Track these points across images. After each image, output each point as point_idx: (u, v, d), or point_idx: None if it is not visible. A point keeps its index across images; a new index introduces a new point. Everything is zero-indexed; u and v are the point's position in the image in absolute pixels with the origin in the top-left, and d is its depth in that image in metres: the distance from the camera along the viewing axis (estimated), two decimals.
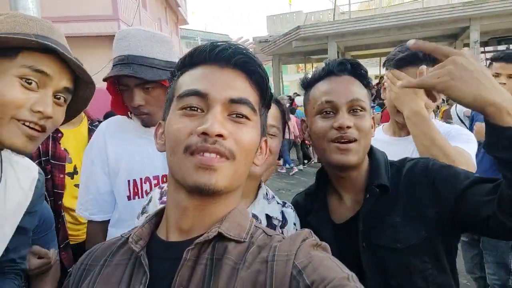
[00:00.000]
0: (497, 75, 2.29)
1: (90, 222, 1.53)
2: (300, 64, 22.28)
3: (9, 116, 0.82)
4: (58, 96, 0.90)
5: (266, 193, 1.17)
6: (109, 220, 1.50)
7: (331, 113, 1.05)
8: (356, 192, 1.11)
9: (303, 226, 0.90)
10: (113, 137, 1.48)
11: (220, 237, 0.67)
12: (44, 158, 1.90)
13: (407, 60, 1.43)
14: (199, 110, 0.68)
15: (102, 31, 10.82)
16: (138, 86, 1.36)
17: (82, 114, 1.99)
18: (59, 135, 1.96)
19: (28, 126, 0.84)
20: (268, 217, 1.12)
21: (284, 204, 1.18)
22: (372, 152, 1.13)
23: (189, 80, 0.71)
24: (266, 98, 0.75)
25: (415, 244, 1.00)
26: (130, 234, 0.72)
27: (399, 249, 1.00)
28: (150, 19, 14.89)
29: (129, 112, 1.51)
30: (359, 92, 1.06)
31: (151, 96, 1.38)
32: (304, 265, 0.60)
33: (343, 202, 1.13)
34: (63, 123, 0.99)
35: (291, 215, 1.15)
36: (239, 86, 0.70)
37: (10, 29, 0.85)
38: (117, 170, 1.44)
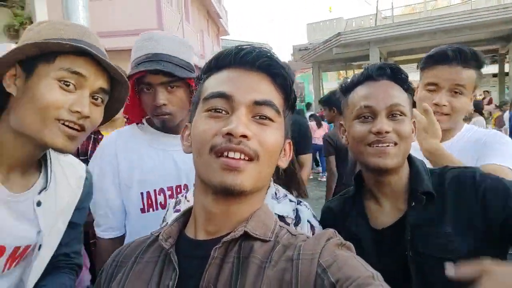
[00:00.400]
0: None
1: (101, 239, 1.47)
2: (341, 71, 21.98)
3: (51, 117, 0.86)
4: (96, 97, 0.94)
5: (276, 193, 1.18)
6: (120, 237, 1.46)
7: (370, 118, 1.04)
8: (396, 198, 1.08)
9: (340, 230, 0.91)
10: (125, 148, 1.44)
11: (246, 236, 0.68)
12: (82, 158, 1.96)
13: (435, 58, 1.44)
14: (224, 112, 0.70)
15: None
16: (162, 85, 1.34)
17: (122, 116, 2.02)
18: (100, 136, 2.02)
19: (68, 126, 0.88)
20: (280, 217, 1.13)
21: (298, 202, 1.19)
22: (411, 158, 1.11)
23: (215, 83, 0.73)
24: (290, 100, 0.77)
25: (465, 255, 0.96)
26: (160, 232, 0.75)
27: (449, 260, 0.96)
28: (193, 31, 15.37)
29: (143, 118, 1.50)
30: (399, 96, 1.04)
31: (174, 95, 1.36)
32: (329, 264, 0.60)
33: (382, 208, 1.11)
34: (102, 124, 1.05)
35: (306, 213, 1.15)
36: (264, 89, 0.72)
37: (49, 35, 0.90)
38: (130, 182, 1.41)
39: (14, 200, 0.94)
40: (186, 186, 1.41)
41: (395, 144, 1.01)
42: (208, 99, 0.71)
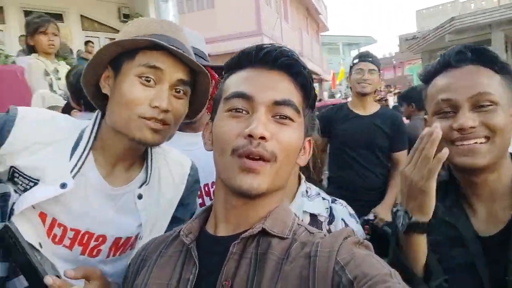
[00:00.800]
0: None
1: None
2: None
3: (135, 114, 0.89)
4: (177, 89, 0.94)
5: (307, 191, 1.17)
6: None
7: (451, 112, 0.90)
8: (495, 202, 0.92)
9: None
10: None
11: (264, 233, 0.70)
12: None
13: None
14: (244, 112, 0.70)
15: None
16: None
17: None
18: None
19: (151, 121, 0.90)
20: (312, 215, 1.13)
21: (333, 201, 1.17)
22: None
23: (236, 82, 0.74)
24: (310, 99, 0.77)
25: None
26: (182, 228, 0.78)
27: None
28: (291, 29, 15.44)
29: None
30: (487, 83, 0.87)
31: None
32: (346, 261, 0.61)
33: (475, 214, 0.95)
34: (192, 118, 1.07)
35: (340, 211, 1.14)
36: (283, 88, 0.72)
37: (134, 32, 0.93)
38: None
39: (116, 193, 0.98)
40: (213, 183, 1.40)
41: (487, 138, 0.86)
42: (229, 99, 0.72)
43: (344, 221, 1.11)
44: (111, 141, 0.96)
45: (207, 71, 0.97)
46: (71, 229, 0.95)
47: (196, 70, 0.96)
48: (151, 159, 1.06)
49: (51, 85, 2.66)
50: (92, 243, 0.98)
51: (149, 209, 1.02)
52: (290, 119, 0.71)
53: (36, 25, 2.65)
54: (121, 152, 0.97)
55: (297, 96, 0.73)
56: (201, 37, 1.50)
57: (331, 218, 1.11)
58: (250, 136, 0.67)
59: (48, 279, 0.76)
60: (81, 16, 8.70)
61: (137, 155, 1.03)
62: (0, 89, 2.73)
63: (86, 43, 7.57)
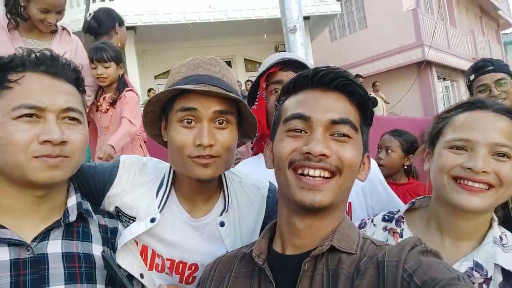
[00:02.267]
0: None
1: None
2: None
3: (185, 156, 0.96)
4: (220, 121, 0.97)
5: (501, 237, 0.94)
6: None
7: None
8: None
9: None
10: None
11: (333, 249, 0.72)
12: None
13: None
14: (303, 132, 0.75)
15: (407, 60, 11.04)
16: None
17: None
18: None
19: (199, 158, 0.95)
20: (506, 272, 0.86)
21: None
22: None
23: (294, 105, 0.79)
24: (367, 116, 0.79)
25: None
26: (252, 249, 0.81)
27: None
28: (461, 34, 13.69)
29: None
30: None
31: None
32: (414, 269, 0.62)
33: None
34: (251, 137, 1.13)
35: None
36: (340, 107, 0.75)
37: (170, 81, 1.02)
38: None
39: (199, 224, 1.06)
40: None
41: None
42: (288, 121, 0.77)
43: None
44: (183, 181, 1.06)
45: (238, 97, 0.98)
46: (167, 259, 1.06)
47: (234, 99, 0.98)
48: (227, 187, 1.12)
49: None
50: (187, 272, 1.08)
51: (232, 234, 1.08)
52: (348, 136, 0.74)
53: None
54: (194, 188, 1.05)
55: (354, 115, 0.76)
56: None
57: None
58: (308, 153, 0.71)
59: None
60: (245, 59, 9.92)
61: (211, 188, 1.09)
62: None
63: (246, 82, 8.62)
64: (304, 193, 0.71)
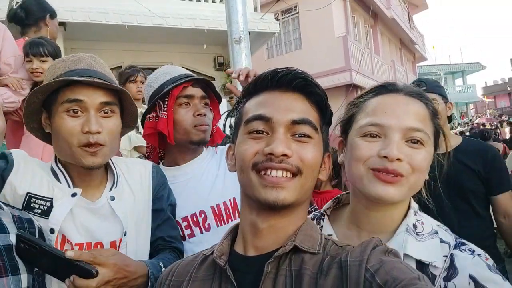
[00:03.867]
0: None
1: None
2: None
3: (74, 144, 1.01)
4: (106, 110, 1.06)
5: (415, 225, 0.89)
6: None
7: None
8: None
9: None
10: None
11: (296, 249, 0.72)
12: None
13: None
14: (264, 133, 0.75)
15: (336, 82, 11.78)
16: (202, 99, 1.46)
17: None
18: None
19: (88, 147, 1.02)
20: (420, 263, 0.84)
21: (459, 245, 0.85)
22: None
23: (254, 106, 0.79)
24: (326, 116, 0.81)
25: None
26: (213, 251, 0.80)
27: None
28: (382, 63, 15.01)
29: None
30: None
31: (207, 110, 1.48)
32: (376, 269, 0.63)
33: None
34: (130, 127, 1.24)
35: (469, 262, 0.80)
36: (300, 108, 0.76)
37: (51, 75, 1.06)
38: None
39: (93, 206, 1.12)
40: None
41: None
42: (249, 122, 0.77)
43: (474, 279, 0.77)
44: (72, 169, 1.11)
45: (121, 88, 1.10)
46: (76, 244, 1.08)
47: (117, 91, 1.08)
48: (115, 168, 1.20)
49: (137, 127, 3.01)
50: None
51: (125, 206, 1.15)
52: (309, 136, 0.75)
53: (127, 75, 3.07)
54: (84, 176, 1.11)
55: (314, 114, 0.78)
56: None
57: (452, 271, 0.81)
58: (270, 154, 0.71)
59: (69, 252, 0.86)
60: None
61: (100, 173, 1.16)
62: None
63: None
64: (267, 191, 0.71)
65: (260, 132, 0.75)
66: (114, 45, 8.12)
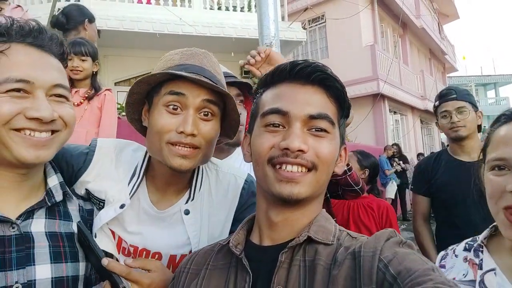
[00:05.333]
0: None
1: None
2: None
3: (164, 141, 0.94)
4: (205, 112, 0.96)
5: None
6: None
7: None
8: None
9: None
10: None
11: (310, 240, 0.72)
12: None
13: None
14: (281, 127, 0.75)
15: (363, 92, 11.64)
16: (236, 96, 1.38)
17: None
18: None
19: (180, 146, 0.94)
20: None
21: None
22: None
23: (271, 98, 0.78)
24: (344, 109, 0.79)
25: None
26: (229, 240, 0.81)
27: None
28: (411, 73, 14.73)
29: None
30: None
31: (241, 107, 1.39)
32: (389, 259, 0.63)
33: None
34: (230, 137, 1.10)
35: None
36: (318, 102, 0.75)
37: (161, 67, 1.00)
38: None
39: (163, 215, 1.05)
40: None
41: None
42: (266, 115, 0.76)
43: None
44: (158, 170, 1.04)
45: (226, 91, 0.98)
46: (131, 246, 1.06)
47: (221, 92, 0.97)
48: (198, 175, 1.09)
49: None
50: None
51: (198, 223, 1.06)
52: (326, 131, 0.74)
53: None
54: (168, 178, 1.04)
55: (332, 108, 0.77)
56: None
57: None
58: (286, 149, 0.71)
59: (104, 260, 0.82)
60: None
61: (185, 180, 1.07)
62: None
63: None
64: (282, 185, 0.71)
65: (277, 125, 0.75)
66: (145, 52, 8.36)
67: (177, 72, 0.94)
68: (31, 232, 0.83)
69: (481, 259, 0.91)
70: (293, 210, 0.75)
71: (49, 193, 0.90)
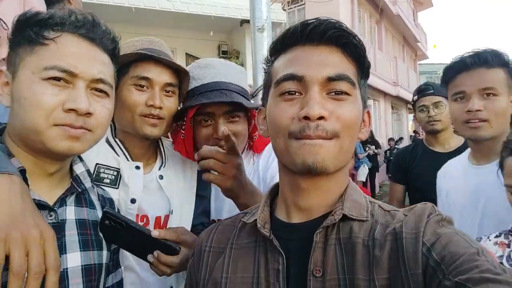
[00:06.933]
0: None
1: None
2: None
3: (137, 113, 1.13)
4: (167, 90, 1.18)
5: None
6: None
7: None
8: None
9: None
10: None
11: (344, 217, 0.68)
12: None
13: (455, 68, 1.40)
14: (297, 94, 0.68)
15: None
16: (224, 115, 1.24)
17: None
18: None
19: (148, 117, 1.13)
20: None
21: None
22: None
23: (284, 65, 0.71)
24: (364, 68, 0.72)
25: None
26: (255, 219, 0.74)
27: None
28: (385, 59, 15.00)
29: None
30: None
31: (236, 126, 1.26)
32: (432, 242, 0.59)
33: None
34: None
35: None
36: (335, 62, 0.68)
37: (125, 51, 1.13)
38: None
39: (146, 179, 1.20)
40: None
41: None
42: (280, 83, 0.70)
43: None
44: (129, 141, 1.21)
45: (185, 69, 1.22)
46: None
47: (180, 70, 1.20)
48: (163, 148, 1.30)
49: None
50: (140, 224, 1.15)
51: (172, 187, 1.24)
52: (347, 93, 0.68)
53: None
54: (138, 147, 1.21)
55: (351, 68, 0.70)
56: (244, 72, 1.41)
57: None
58: (306, 118, 0.65)
59: (155, 232, 0.94)
60: (186, 53, 9.71)
61: (151, 148, 1.26)
62: None
63: None
64: (306, 154, 0.65)
65: (293, 92, 0.68)
66: (120, 26, 8.01)
67: (149, 53, 1.13)
68: (65, 220, 0.84)
69: (510, 240, 1.10)
70: (320, 180, 0.70)
71: (76, 179, 0.90)
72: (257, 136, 1.39)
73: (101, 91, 0.83)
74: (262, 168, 1.36)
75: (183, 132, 1.30)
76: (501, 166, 1.14)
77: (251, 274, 0.71)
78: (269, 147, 1.39)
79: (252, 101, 1.44)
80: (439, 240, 0.59)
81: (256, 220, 0.74)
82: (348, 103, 0.68)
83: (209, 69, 1.29)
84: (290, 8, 13.08)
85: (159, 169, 1.26)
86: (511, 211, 1.14)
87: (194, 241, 0.96)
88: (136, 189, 1.15)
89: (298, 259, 0.68)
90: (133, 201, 1.14)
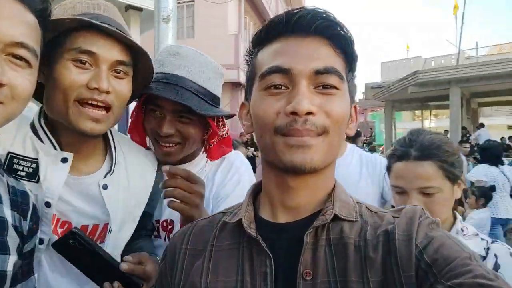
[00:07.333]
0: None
1: None
2: (416, 111, 20.99)
3: (72, 99, 0.85)
4: (118, 70, 0.90)
5: (462, 229, 1.17)
6: None
7: None
8: None
9: None
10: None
11: (334, 218, 0.65)
12: None
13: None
14: (283, 88, 0.65)
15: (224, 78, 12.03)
16: (175, 113, 1.13)
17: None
18: None
19: (91, 105, 0.86)
20: None
21: (494, 241, 1.16)
22: None
23: (269, 56, 0.67)
24: (353, 61, 0.69)
25: None
26: (239, 218, 0.70)
27: None
28: None
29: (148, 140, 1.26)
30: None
31: (186, 128, 1.15)
32: (424, 245, 0.59)
33: None
34: (135, 99, 1.10)
35: (499, 249, 1.11)
36: (323, 54, 0.65)
37: (62, 14, 0.87)
38: None
39: (77, 182, 0.95)
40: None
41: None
42: (265, 76, 0.66)
43: (496, 257, 1.10)
44: (61, 134, 0.94)
45: (143, 49, 0.93)
46: (61, 221, 0.95)
47: (136, 49, 0.92)
48: (115, 147, 1.02)
49: None
50: (59, 230, 0.94)
51: (117, 201, 0.99)
52: (335, 87, 0.65)
53: None
54: (75, 143, 0.94)
55: (339, 61, 0.67)
56: (220, 72, 1.27)
57: (486, 255, 1.11)
58: (293, 113, 0.62)
59: (124, 265, 0.85)
60: None
61: (96, 146, 1.00)
62: None
63: None
64: (293, 152, 0.62)
65: (279, 86, 0.65)
66: None
67: (92, 20, 0.84)
68: None
69: None
70: (308, 178, 0.67)
71: None
72: (214, 143, 1.28)
73: (21, 58, 0.68)
74: (218, 183, 1.24)
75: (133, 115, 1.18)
76: (389, 170, 1.25)
77: (235, 278, 0.66)
78: (231, 159, 1.30)
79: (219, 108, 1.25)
80: (431, 243, 0.58)
81: (239, 220, 0.69)
82: (336, 97, 0.65)
83: (176, 59, 1.16)
84: (179, 2, 12.82)
85: (105, 176, 0.99)
86: None
87: (154, 272, 0.90)
88: (54, 189, 0.89)
89: (285, 261, 0.64)
90: (47, 204, 0.89)
